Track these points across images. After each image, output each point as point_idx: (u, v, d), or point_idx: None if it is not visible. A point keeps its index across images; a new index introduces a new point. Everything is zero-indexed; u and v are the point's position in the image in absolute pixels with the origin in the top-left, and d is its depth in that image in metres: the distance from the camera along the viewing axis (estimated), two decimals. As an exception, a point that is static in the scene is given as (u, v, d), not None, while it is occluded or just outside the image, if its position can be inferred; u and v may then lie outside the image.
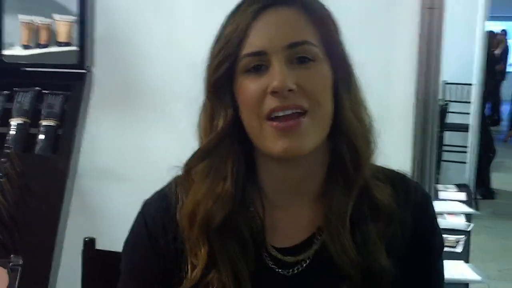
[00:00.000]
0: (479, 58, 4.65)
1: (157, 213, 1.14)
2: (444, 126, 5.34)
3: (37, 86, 1.80)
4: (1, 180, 1.54)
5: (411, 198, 1.11)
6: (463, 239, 3.36)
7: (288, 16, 1.03)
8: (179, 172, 1.13)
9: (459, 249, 3.27)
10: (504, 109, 11.10)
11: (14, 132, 1.72)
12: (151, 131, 1.96)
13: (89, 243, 1.57)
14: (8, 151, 1.59)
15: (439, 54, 1.67)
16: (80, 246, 1.60)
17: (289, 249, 1.09)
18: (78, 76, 1.80)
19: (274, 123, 1.01)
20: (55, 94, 1.78)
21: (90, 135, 1.82)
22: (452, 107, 5.80)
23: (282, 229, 1.11)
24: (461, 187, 4.39)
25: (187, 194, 1.10)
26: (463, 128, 5.07)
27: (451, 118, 5.89)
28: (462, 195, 4.12)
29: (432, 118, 1.67)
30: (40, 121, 1.73)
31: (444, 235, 2.67)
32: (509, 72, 10.95)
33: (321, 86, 1.03)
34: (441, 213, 3.41)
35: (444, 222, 3.44)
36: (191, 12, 1.90)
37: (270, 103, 1.01)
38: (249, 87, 1.02)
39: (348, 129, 1.05)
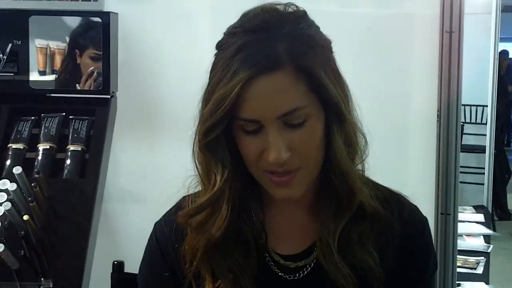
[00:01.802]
0: (493, 79, 4.66)
1: (168, 232, 1.19)
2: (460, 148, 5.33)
3: (63, 112, 1.82)
4: (31, 204, 1.55)
5: (404, 217, 1.14)
6: (483, 260, 3.35)
7: (278, 84, 1.03)
8: (188, 191, 1.17)
9: (479, 270, 3.26)
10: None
11: (42, 157, 1.74)
12: (170, 152, 1.98)
13: (117, 266, 1.59)
14: (37, 176, 1.61)
15: (460, 76, 1.69)
16: (108, 269, 1.62)
17: (291, 256, 1.14)
18: (103, 101, 1.82)
19: (271, 177, 1.08)
20: (81, 120, 1.81)
21: (112, 157, 1.84)
22: (466, 128, 5.80)
23: (283, 235, 1.16)
24: (478, 208, 4.39)
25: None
26: (479, 149, 5.07)
27: (465, 140, 5.89)
28: (480, 217, 4.12)
29: (455, 139, 1.68)
30: (68, 146, 1.75)
31: (464, 257, 2.67)
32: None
33: (314, 142, 1.07)
34: (460, 235, 3.40)
35: (463, 243, 3.44)
36: (209, 35, 1.92)
37: (267, 165, 1.06)
38: (248, 145, 1.07)
39: (340, 165, 1.09)
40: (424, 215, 1.19)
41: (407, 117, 1.80)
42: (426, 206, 1.70)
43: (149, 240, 1.23)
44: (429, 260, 1.18)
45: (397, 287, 1.14)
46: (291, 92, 1.04)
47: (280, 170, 1.06)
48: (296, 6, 1.10)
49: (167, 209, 1.24)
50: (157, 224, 1.22)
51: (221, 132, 1.06)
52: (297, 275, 1.14)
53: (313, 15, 1.11)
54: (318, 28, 1.11)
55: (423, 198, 1.70)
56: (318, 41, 1.08)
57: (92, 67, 1.81)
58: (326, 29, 1.13)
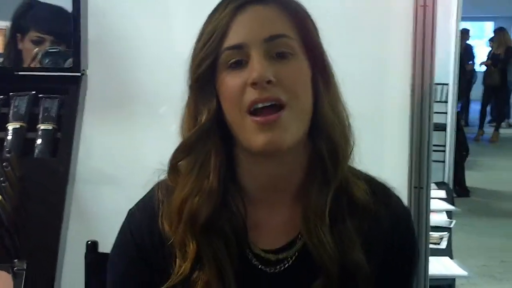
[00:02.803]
0: (455, 58, 4.71)
1: (143, 221, 1.15)
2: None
3: (32, 90, 1.78)
4: (3, 185, 1.53)
5: (391, 209, 1.15)
6: (446, 235, 3.41)
7: (267, 12, 1.07)
8: (161, 177, 1.15)
9: (443, 245, 3.32)
10: (473, 108, 11.27)
11: (11, 137, 1.70)
12: (144, 133, 1.96)
13: (91, 246, 1.57)
14: (8, 155, 1.58)
15: (434, 52, 1.71)
16: (80, 250, 1.60)
17: (272, 250, 1.12)
18: (74, 79, 1.79)
19: (255, 118, 1.04)
20: (51, 98, 1.77)
21: (84, 138, 1.82)
22: (435, 107, 5.85)
23: (264, 228, 1.13)
24: (440, 185, 4.46)
25: (173, 192, 1.12)
26: (440, 127, 5.14)
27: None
28: (442, 193, 4.19)
29: (429, 115, 1.70)
30: (38, 125, 1.72)
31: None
32: (478, 71, 11.12)
33: (299, 80, 1.06)
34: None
35: (427, 219, 3.49)
36: (184, 15, 1.91)
37: (250, 95, 1.04)
38: (230, 81, 1.05)
39: (327, 125, 1.08)
40: (397, 192, 1.20)
41: (382, 93, 1.81)
42: (400, 180, 1.74)
43: (122, 228, 1.19)
44: (414, 249, 1.19)
45: (384, 278, 1.13)
46: (279, 21, 1.07)
47: (262, 96, 1.03)
48: None
49: (140, 193, 1.20)
50: (130, 213, 1.19)
51: (210, 66, 1.06)
52: (277, 267, 1.12)
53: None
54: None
55: (397, 173, 1.73)
56: (310, 16, 1.13)
57: (36, 49, 1.76)
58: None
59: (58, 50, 1.77)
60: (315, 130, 1.09)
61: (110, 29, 1.94)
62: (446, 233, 3.44)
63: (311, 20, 1.12)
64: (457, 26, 4.64)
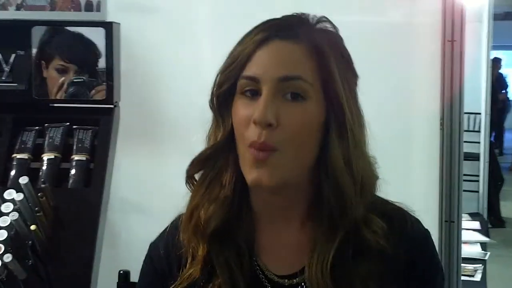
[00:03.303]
0: (486, 87, 4.69)
1: (163, 251, 1.19)
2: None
3: (66, 122, 1.82)
4: (37, 214, 1.56)
5: (407, 233, 1.12)
6: (481, 267, 3.36)
7: (289, 51, 1.06)
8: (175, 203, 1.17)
9: (477, 278, 3.27)
10: (507, 137, 11.14)
11: (46, 167, 1.74)
12: (173, 163, 1.98)
13: (123, 276, 1.60)
14: (43, 185, 1.61)
15: (462, 84, 1.71)
16: (112, 279, 1.63)
17: (284, 276, 1.12)
18: (107, 111, 1.82)
19: (251, 151, 1.05)
20: (85, 129, 1.81)
21: (114, 168, 1.85)
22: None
23: (275, 254, 1.14)
24: (474, 216, 4.41)
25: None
26: (472, 157, 5.10)
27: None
28: (476, 224, 4.14)
29: (459, 147, 1.69)
30: (72, 156, 1.76)
31: (462, 264, 2.68)
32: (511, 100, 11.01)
33: (303, 125, 1.05)
34: (457, 242, 3.41)
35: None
36: (212, 46, 1.94)
37: (251, 134, 1.05)
38: (240, 110, 1.07)
39: (335, 172, 1.06)
40: (427, 226, 1.18)
41: (411, 126, 1.81)
42: (430, 214, 1.73)
43: (144, 261, 1.23)
44: (436, 272, 1.16)
45: None
46: (298, 63, 1.06)
47: (259, 141, 1.04)
48: (333, 26, 1.13)
49: (169, 219, 1.23)
50: (152, 246, 1.22)
51: (229, 89, 1.08)
52: None
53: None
54: (349, 54, 1.13)
55: (427, 206, 1.73)
56: (343, 52, 1.11)
57: (62, 79, 1.80)
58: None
59: (82, 80, 1.81)
60: (323, 173, 1.08)
61: (139, 60, 1.98)
62: (480, 265, 3.39)
63: (343, 59, 1.10)
64: (488, 55, 4.62)
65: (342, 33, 1.13)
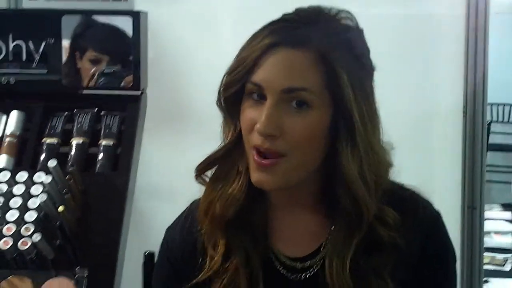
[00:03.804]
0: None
1: (178, 238, 1.23)
2: (487, 146, 5.32)
3: (95, 108, 1.87)
4: (65, 196, 1.60)
5: (419, 218, 1.13)
6: (511, 258, 3.34)
7: (296, 59, 1.05)
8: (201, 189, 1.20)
9: (507, 267, 3.26)
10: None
11: (75, 152, 1.79)
12: (198, 148, 2.01)
13: (149, 257, 1.64)
14: (71, 169, 1.66)
15: (486, 74, 1.71)
16: (138, 261, 1.67)
17: (298, 258, 1.15)
18: (134, 98, 1.87)
19: (255, 156, 1.07)
20: (113, 115, 1.85)
21: (142, 153, 1.89)
22: (493, 127, 5.77)
23: (289, 238, 1.17)
24: (506, 206, 4.37)
25: None
26: (506, 148, 5.04)
27: (492, 138, 5.87)
28: (508, 214, 4.11)
29: (482, 132, 1.69)
30: (100, 141, 1.80)
31: (492, 254, 2.67)
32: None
33: (307, 133, 1.05)
34: (488, 232, 3.40)
35: (490, 241, 3.44)
36: (235, 35, 1.97)
37: (255, 138, 1.06)
38: (247, 113, 1.09)
39: (349, 184, 1.07)
40: (449, 212, 1.19)
41: (434, 115, 1.81)
42: (453, 201, 1.73)
43: (160, 246, 1.27)
44: (446, 254, 1.18)
45: (417, 286, 1.14)
46: (304, 73, 1.04)
47: (263, 147, 1.05)
48: (355, 21, 1.11)
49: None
50: (167, 232, 1.27)
51: (237, 91, 1.09)
52: (301, 275, 1.14)
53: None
54: (368, 50, 1.12)
55: (450, 193, 1.73)
56: (356, 50, 1.09)
57: (94, 69, 1.85)
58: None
59: (113, 71, 1.85)
60: (335, 179, 1.09)
61: (166, 49, 2.02)
62: (510, 255, 3.38)
63: (355, 59, 1.08)
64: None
65: (365, 24, 1.13)
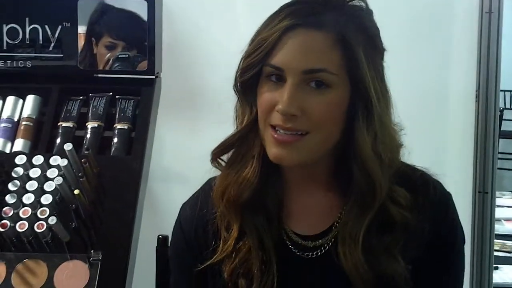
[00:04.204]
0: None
1: (192, 215, 1.27)
2: (500, 134, 5.28)
3: (110, 92, 1.88)
4: (81, 179, 1.62)
5: (429, 197, 1.16)
6: (518, 243, 3.34)
7: (314, 40, 1.07)
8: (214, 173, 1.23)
9: (513, 254, 3.25)
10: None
11: (90, 135, 1.80)
12: (212, 133, 2.03)
13: (162, 240, 1.66)
14: (86, 152, 1.68)
15: (499, 57, 1.71)
16: (152, 243, 1.69)
17: (309, 236, 1.18)
18: (148, 82, 1.88)
19: (273, 133, 1.09)
20: (127, 99, 1.87)
21: (156, 137, 1.90)
22: (506, 114, 5.73)
23: (302, 215, 1.20)
24: (517, 192, 4.36)
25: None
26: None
27: (505, 126, 5.83)
28: (515, 201, 4.10)
29: (494, 122, 1.70)
30: (115, 125, 1.82)
31: (502, 241, 2.66)
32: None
33: (328, 113, 1.08)
34: (498, 219, 3.40)
35: (502, 228, 3.44)
36: (251, 20, 1.97)
37: (276, 118, 1.09)
38: (265, 95, 1.11)
39: (364, 162, 1.10)
40: (461, 196, 1.21)
41: (447, 100, 1.82)
42: (465, 185, 1.74)
43: (175, 222, 1.31)
44: (456, 235, 1.20)
45: (426, 267, 1.16)
46: (324, 54, 1.07)
47: (284, 126, 1.07)
48: (366, 2, 1.14)
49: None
50: (182, 208, 1.30)
51: (254, 75, 1.11)
52: (314, 253, 1.17)
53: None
54: (378, 30, 1.14)
55: (462, 177, 1.74)
56: (371, 36, 1.12)
57: (108, 54, 1.86)
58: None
59: (127, 55, 1.86)
60: (351, 154, 1.11)
61: (181, 34, 2.03)
62: (517, 241, 3.37)
63: (370, 41, 1.11)
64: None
65: (378, 9, 1.14)
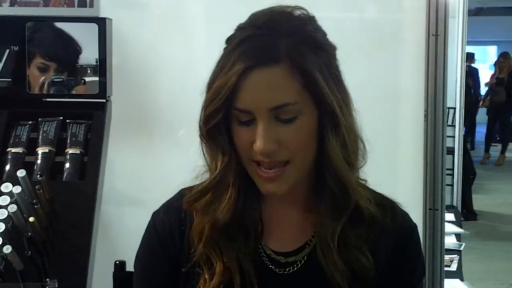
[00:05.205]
0: (460, 82, 4.77)
1: (166, 220, 1.23)
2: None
3: (60, 116, 1.85)
4: (36, 206, 1.59)
5: (397, 223, 1.19)
6: (457, 258, 3.44)
7: (272, 78, 1.08)
8: (185, 185, 1.22)
9: (453, 267, 3.35)
10: (478, 131, 11.29)
11: (41, 161, 1.77)
12: (165, 155, 2.03)
13: (119, 266, 1.63)
14: (40, 178, 1.64)
15: (446, 77, 1.77)
16: (107, 269, 1.66)
17: (283, 253, 1.19)
18: (99, 105, 1.86)
19: (259, 171, 1.12)
20: (78, 123, 1.84)
21: (108, 161, 1.88)
22: (448, 131, 5.90)
23: (277, 232, 1.21)
24: (449, 208, 4.49)
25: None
26: (449, 151, 5.18)
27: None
28: (451, 216, 4.22)
29: (442, 137, 1.76)
30: (66, 150, 1.79)
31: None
32: (483, 95, 11.16)
33: (303, 138, 1.11)
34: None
35: (437, 241, 3.53)
36: (205, 43, 1.99)
37: (257, 156, 1.11)
38: (241, 135, 1.12)
39: (337, 173, 1.13)
40: (411, 214, 1.24)
41: (396, 117, 1.88)
42: (415, 202, 1.79)
43: (147, 229, 1.27)
44: (417, 265, 1.22)
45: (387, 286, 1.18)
46: (284, 88, 1.08)
47: (266, 161, 1.10)
48: (306, 10, 1.15)
49: None
50: (155, 214, 1.26)
51: (220, 120, 1.11)
52: (287, 269, 1.18)
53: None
54: (324, 33, 1.16)
55: (412, 195, 1.79)
56: (321, 44, 1.13)
57: (43, 78, 1.83)
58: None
59: (62, 80, 1.84)
60: (323, 165, 1.14)
61: (132, 56, 2.02)
62: (456, 255, 3.47)
63: (323, 55, 1.12)
64: (463, 50, 4.70)
65: (332, 28, 1.17)
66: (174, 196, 1.27)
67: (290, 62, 1.08)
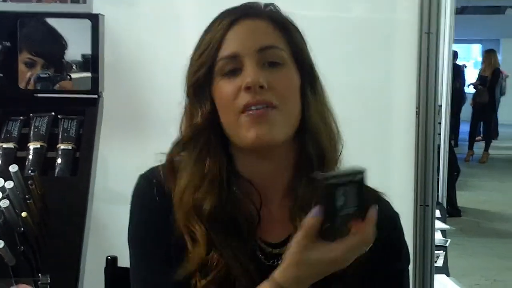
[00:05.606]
0: (447, 80, 4.79)
1: (155, 178, 1.23)
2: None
3: (51, 112, 1.85)
4: (28, 201, 1.58)
5: (382, 212, 1.16)
6: (442, 254, 3.47)
7: (258, 25, 1.17)
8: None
9: (439, 263, 3.38)
10: (462, 129, 11.38)
11: (32, 156, 1.76)
12: (155, 151, 2.02)
13: (111, 261, 1.63)
14: (32, 174, 1.64)
15: (438, 75, 1.79)
16: (99, 265, 1.66)
17: (273, 244, 1.20)
18: (91, 101, 1.85)
19: (247, 113, 1.13)
20: (70, 119, 1.84)
21: (100, 158, 1.88)
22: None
23: (269, 223, 1.20)
24: (434, 204, 4.52)
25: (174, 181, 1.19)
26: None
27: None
28: (437, 212, 4.25)
29: (433, 134, 1.77)
30: (58, 145, 1.78)
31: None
32: (467, 93, 11.24)
33: (289, 87, 1.16)
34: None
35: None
36: (195, 37, 1.98)
37: (244, 99, 1.13)
38: (225, 87, 1.15)
39: (314, 129, 1.17)
40: (403, 210, 1.26)
41: (388, 114, 1.89)
42: (406, 198, 1.81)
43: (139, 184, 1.28)
44: (400, 254, 1.24)
45: (370, 281, 1.18)
46: (269, 34, 1.16)
47: (255, 99, 1.12)
48: (278, 7, 1.22)
49: None
50: (143, 176, 1.28)
51: (206, 74, 1.15)
52: (276, 261, 1.17)
53: (298, 19, 1.22)
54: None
55: (404, 191, 1.80)
56: (298, 28, 1.22)
57: (29, 73, 1.82)
58: (312, 32, 1.24)
59: (48, 75, 1.83)
60: (303, 133, 1.18)
61: (124, 53, 2.01)
62: (442, 251, 3.50)
63: (300, 34, 1.21)
64: (450, 48, 4.72)
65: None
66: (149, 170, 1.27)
67: (272, 20, 1.17)
